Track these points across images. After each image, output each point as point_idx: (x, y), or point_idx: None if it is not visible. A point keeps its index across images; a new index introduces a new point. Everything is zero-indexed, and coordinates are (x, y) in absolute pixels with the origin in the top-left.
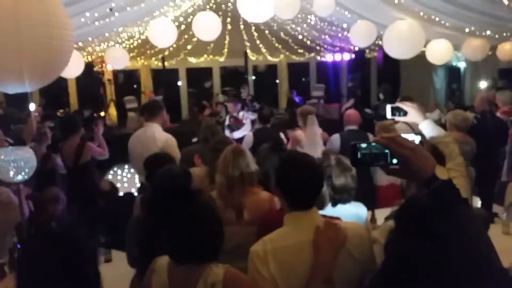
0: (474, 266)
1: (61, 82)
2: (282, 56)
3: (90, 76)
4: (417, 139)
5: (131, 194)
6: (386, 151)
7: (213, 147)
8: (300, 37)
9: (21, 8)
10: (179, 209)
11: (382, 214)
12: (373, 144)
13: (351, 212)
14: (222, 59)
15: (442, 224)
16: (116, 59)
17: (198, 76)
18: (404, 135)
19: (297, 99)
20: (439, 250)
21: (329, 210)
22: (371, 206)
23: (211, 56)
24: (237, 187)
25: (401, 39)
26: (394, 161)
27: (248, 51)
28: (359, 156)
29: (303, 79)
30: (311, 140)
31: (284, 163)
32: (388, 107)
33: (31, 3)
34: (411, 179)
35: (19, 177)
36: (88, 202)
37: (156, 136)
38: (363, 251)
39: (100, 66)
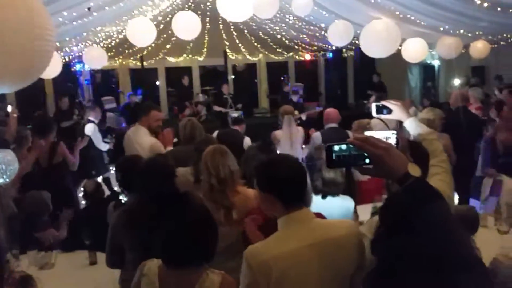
0: (452, 260)
1: (38, 83)
2: (261, 55)
3: (68, 76)
4: (392, 136)
5: (116, 194)
6: (361, 152)
7: (198, 147)
8: (278, 36)
9: (1, 8)
10: (172, 212)
11: (363, 209)
12: (347, 145)
13: (340, 205)
14: (201, 58)
15: (417, 220)
16: (94, 59)
17: (177, 75)
18: (380, 132)
19: (295, 98)
20: (418, 246)
21: (319, 203)
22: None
23: (190, 56)
24: (229, 186)
25: (377, 38)
26: (368, 161)
27: (228, 50)
28: (333, 157)
29: (282, 78)
30: (287, 139)
31: (270, 165)
32: (373, 106)
33: (10, 3)
34: (385, 177)
35: (1, 180)
36: (63, 203)
37: (139, 142)
38: (357, 249)
39: (78, 66)
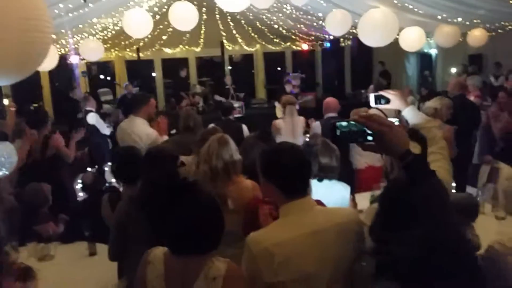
0: (443, 235)
1: (33, 75)
2: (258, 45)
3: (64, 68)
4: (396, 121)
5: (114, 187)
6: (364, 128)
7: (202, 137)
8: (276, 26)
9: None
10: (181, 200)
11: (361, 197)
12: (352, 122)
13: (336, 190)
14: (198, 49)
15: (414, 194)
16: (91, 51)
17: (174, 66)
18: None
19: (288, 88)
20: (412, 226)
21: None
22: (351, 189)
23: (187, 47)
24: (221, 176)
25: (375, 27)
26: (370, 138)
27: (224, 41)
28: (338, 133)
29: (279, 69)
30: (289, 129)
31: (272, 153)
32: (371, 96)
33: None
34: (386, 153)
35: (0, 173)
36: (58, 195)
37: (136, 132)
38: (357, 236)
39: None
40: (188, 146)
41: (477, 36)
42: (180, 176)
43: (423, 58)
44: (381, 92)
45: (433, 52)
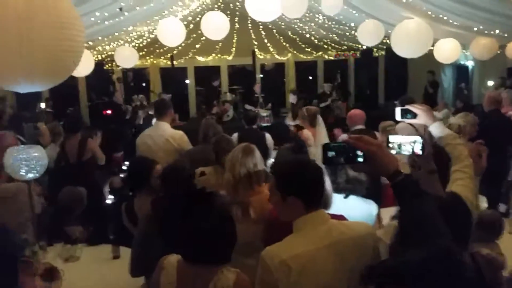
0: (433, 252)
1: (71, 80)
2: (289, 54)
3: (100, 74)
4: (418, 141)
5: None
6: (354, 150)
7: (215, 148)
8: (307, 36)
9: (32, 11)
10: (196, 210)
11: (387, 212)
12: (342, 144)
13: (363, 208)
14: (230, 57)
15: (404, 214)
16: (126, 58)
17: (206, 74)
18: (406, 137)
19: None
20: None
21: (341, 202)
22: (377, 204)
23: (219, 55)
24: (244, 185)
25: (409, 38)
26: (360, 159)
27: (256, 50)
28: (329, 155)
29: (310, 78)
30: (320, 139)
31: (295, 166)
32: (398, 110)
33: (42, 6)
34: (377, 173)
35: (31, 175)
36: (93, 198)
37: (169, 134)
38: (372, 250)
39: (110, 65)
40: (208, 156)
41: None
42: (198, 187)
43: (460, 70)
44: (408, 106)
45: (470, 64)
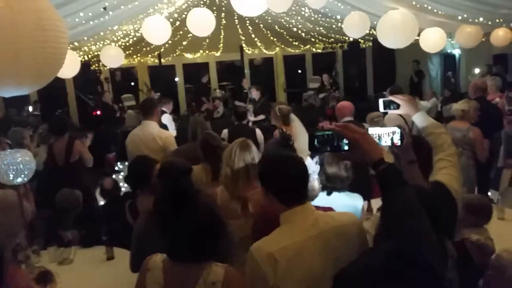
0: (411, 240)
1: (58, 83)
2: (277, 49)
3: (87, 75)
4: (397, 131)
5: (132, 195)
6: (340, 138)
7: (203, 146)
8: (294, 29)
9: (16, 14)
10: (180, 208)
11: (378, 203)
12: (329, 132)
13: (347, 203)
14: (218, 53)
15: (386, 202)
16: (111, 58)
17: (195, 71)
18: (385, 128)
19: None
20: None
21: (324, 199)
22: (367, 196)
23: (207, 51)
24: (242, 179)
25: (394, 29)
26: (346, 147)
27: (244, 45)
28: (316, 143)
29: (300, 71)
30: (297, 134)
31: (269, 163)
32: (381, 101)
33: (25, 9)
34: (361, 162)
35: (19, 180)
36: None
37: (156, 134)
38: (358, 239)
39: (96, 65)
40: (197, 154)
41: (500, 35)
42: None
43: (447, 58)
44: (390, 97)
45: (457, 52)
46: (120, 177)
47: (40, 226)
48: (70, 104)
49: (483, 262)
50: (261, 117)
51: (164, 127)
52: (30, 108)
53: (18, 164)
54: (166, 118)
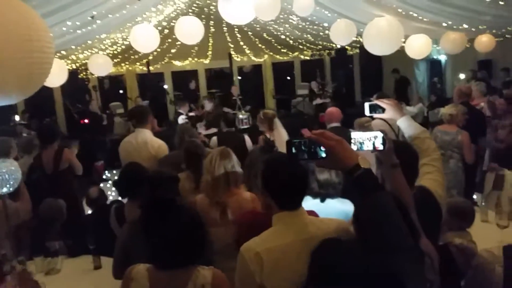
0: (387, 244)
1: (46, 91)
2: (266, 56)
3: (75, 83)
4: (379, 135)
5: (118, 201)
6: (317, 145)
7: (186, 154)
8: (283, 37)
9: (0, 24)
10: (164, 216)
11: None
12: (305, 139)
13: (339, 209)
14: (207, 61)
15: (362, 208)
16: (99, 66)
17: (183, 79)
18: (367, 133)
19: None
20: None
21: (318, 206)
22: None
23: (195, 59)
24: (222, 186)
25: (380, 36)
26: (323, 154)
27: (232, 52)
28: (293, 151)
29: (288, 78)
30: (280, 141)
31: (271, 165)
32: (366, 105)
33: (10, 18)
34: (338, 168)
35: (4, 190)
36: (71, 209)
37: (149, 142)
38: None
39: (84, 73)
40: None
41: (484, 42)
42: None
43: (433, 64)
44: (376, 101)
45: (443, 58)
46: (108, 185)
47: (26, 236)
48: (58, 113)
49: (466, 265)
50: (213, 130)
51: None
52: (17, 118)
53: (3, 174)
54: (182, 120)
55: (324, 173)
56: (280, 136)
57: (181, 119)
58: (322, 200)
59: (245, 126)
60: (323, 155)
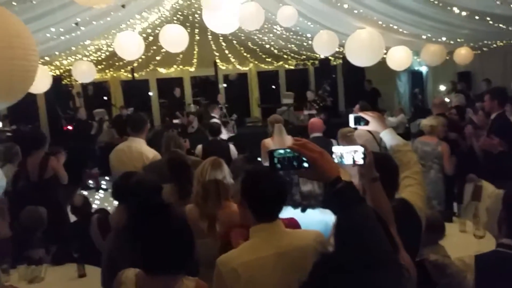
0: (368, 258)
1: (30, 97)
2: (251, 65)
3: (59, 89)
4: (360, 150)
5: (104, 209)
6: (299, 156)
7: (169, 164)
8: (267, 46)
9: None
10: (154, 222)
11: None
12: (288, 150)
13: (320, 219)
14: (192, 69)
15: (343, 221)
16: (83, 73)
17: (169, 86)
18: (348, 147)
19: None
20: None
21: (298, 215)
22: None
23: (181, 66)
24: (212, 198)
25: (362, 47)
26: (305, 164)
27: (218, 60)
28: (275, 161)
29: (274, 87)
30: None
31: (251, 176)
32: (351, 117)
33: None
34: (319, 180)
35: None
36: (55, 217)
37: (143, 152)
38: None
39: (68, 79)
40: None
41: (463, 54)
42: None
43: (414, 75)
44: (360, 114)
45: (424, 69)
46: (102, 194)
47: (9, 244)
48: (41, 119)
49: (440, 279)
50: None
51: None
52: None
53: None
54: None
55: (307, 185)
56: (277, 143)
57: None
58: (303, 210)
59: (231, 134)
60: (306, 165)
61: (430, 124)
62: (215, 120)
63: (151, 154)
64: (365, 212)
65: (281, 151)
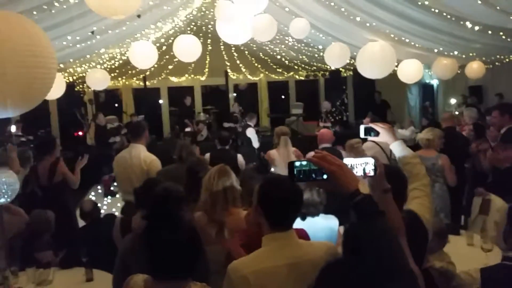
0: (385, 270)
1: (42, 103)
2: (262, 75)
3: (71, 96)
4: (370, 162)
5: (112, 215)
6: (319, 168)
7: (189, 169)
8: (278, 57)
9: (5, 40)
10: (164, 228)
11: None
12: (307, 161)
13: (323, 225)
14: (203, 78)
15: (361, 233)
16: (97, 81)
17: (179, 95)
18: (359, 159)
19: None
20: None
21: (299, 224)
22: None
23: (192, 75)
24: (220, 204)
25: (373, 60)
26: (325, 176)
27: (229, 70)
28: (295, 173)
29: (283, 97)
30: (283, 159)
31: (267, 184)
32: (362, 127)
33: (15, 35)
34: (337, 191)
35: (2, 200)
36: (63, 221)
37: (142, 157)
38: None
39: (81, 86)
40: (181, 175)
41: (475, 68)
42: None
43: (425, 88)
44: (371, 125)
45: (435, 83)
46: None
47: (18, 247)
48: (53, 125)
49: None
50: None
51: (249, 140)
52: (13, 128)
53: (2, 185)
54: (251, 132)
55: (306, 193)
56: (282, 155)
57: (250, 131)
58: (303, 219)
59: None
60: (324, 177)
61: (427, 138)
62: (250, 129)
63: (149, 159)
64: (384, 225)
65: (301, 163)
